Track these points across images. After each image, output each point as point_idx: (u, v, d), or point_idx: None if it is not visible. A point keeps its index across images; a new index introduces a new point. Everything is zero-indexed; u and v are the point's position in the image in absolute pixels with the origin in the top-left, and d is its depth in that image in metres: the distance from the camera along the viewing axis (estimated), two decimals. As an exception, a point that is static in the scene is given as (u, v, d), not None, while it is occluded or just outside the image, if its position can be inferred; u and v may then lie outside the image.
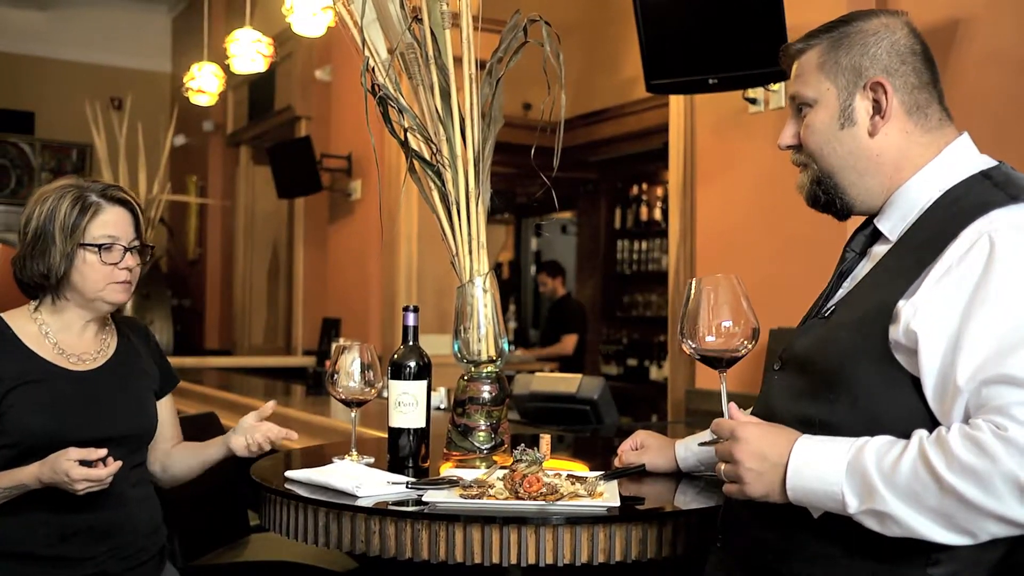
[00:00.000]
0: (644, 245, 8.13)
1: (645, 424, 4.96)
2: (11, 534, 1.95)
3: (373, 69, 2.07)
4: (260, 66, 5.25)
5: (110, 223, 2.07)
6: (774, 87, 3.52)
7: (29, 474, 1.89)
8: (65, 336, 2.10)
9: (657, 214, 7.94)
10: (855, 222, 1.65)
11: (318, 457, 2.19)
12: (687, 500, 1.86)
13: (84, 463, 1.84)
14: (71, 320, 2.11)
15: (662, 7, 3.47)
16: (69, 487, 1.85)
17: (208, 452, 2.24)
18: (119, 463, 1.89)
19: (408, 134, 2.10)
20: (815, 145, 1.57)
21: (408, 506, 1.69)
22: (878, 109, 1.52)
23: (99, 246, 2.05)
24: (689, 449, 2.00)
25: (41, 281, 2.06)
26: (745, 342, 1.58)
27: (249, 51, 5.12)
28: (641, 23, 3.47)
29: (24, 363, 2.02)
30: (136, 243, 2.12)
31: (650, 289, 8.01)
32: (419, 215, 5.87)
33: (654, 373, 7.67)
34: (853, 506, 1.31)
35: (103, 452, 1.86)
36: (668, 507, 1.79)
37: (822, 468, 1.34)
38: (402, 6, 2.10)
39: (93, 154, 10.19)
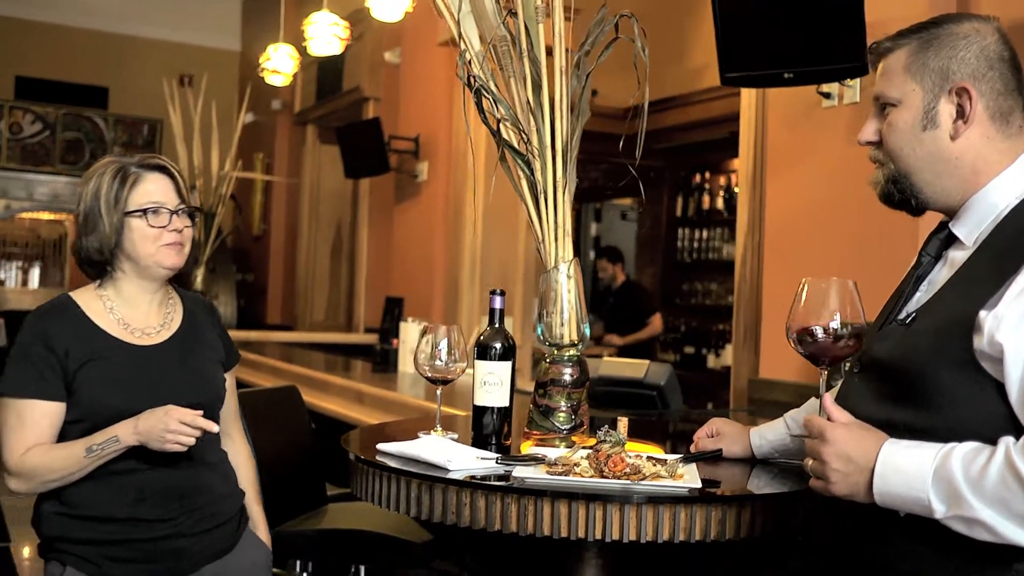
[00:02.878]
0: (705, 234, 8.13)
1: (704, 412, 5.00)
2: (91, 496, 2.04)
3: (470, 61, 2.14)
4: (336, 48, 5.35)
5: (152, 190, 2.12)
6: (850, 82, 3.53)
7: (123, 424, 1.98)
8: (129, 311, 2.16)
9: (719, 203, 7.93)
10: (926, 219, 1.68)
11: (398, 432, 2.25)
12: (761, 485, 1.92)
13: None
14: (133, 294, 2.16)
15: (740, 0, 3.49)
16: (157, 439, 1.93)
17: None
18: (213, 426, 1.98)
19: (500, 124, 2.17)
20: (895, 144, 1.60)
21: (498, 480, 1.77)
22: (961, 114, 1.54)
23: (144, 211, 2.10)
24: (764, 437, 2.05)
25: (97, 257, 2.12)
26: (851, 343, 1.62)
27: (326, 34, 5.23)
28: (718, 15, 3.49)
29: (92, 339, 2.09)
30: (181, 206, 2.16)
31: (710, 278, 8.01)
32: (486, 200, 5.93)
33: (711, 361, 7.69)
34: (940, 512, 1.35)
35: (199, 413, 1.96)
36: (745, 491, 1.85)
37: (909, 474, 1.38)
38: (497, 0, 2.17)
39: (163, 129, 10.42)
